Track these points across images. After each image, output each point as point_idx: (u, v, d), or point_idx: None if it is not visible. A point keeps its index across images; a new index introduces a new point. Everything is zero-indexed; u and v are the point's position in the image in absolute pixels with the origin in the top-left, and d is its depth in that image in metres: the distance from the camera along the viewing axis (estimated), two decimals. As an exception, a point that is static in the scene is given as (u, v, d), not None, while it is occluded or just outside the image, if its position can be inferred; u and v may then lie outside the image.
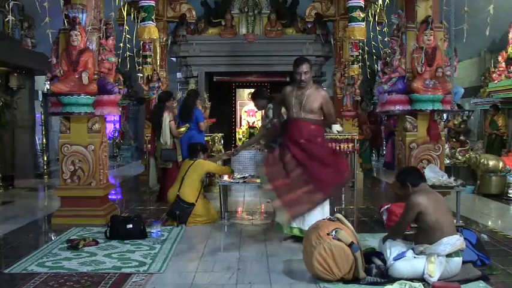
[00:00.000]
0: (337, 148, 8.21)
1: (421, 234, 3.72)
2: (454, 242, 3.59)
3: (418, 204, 3.63)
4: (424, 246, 3.64)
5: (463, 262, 3.69)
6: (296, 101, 4.72)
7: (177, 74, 11.38)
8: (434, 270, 3.53)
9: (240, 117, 12.69)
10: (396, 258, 3.66)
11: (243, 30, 10.65)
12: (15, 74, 9.72)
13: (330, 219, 3.90)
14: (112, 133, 15.41)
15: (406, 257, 3.65)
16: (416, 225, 3.83)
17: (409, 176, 3.88)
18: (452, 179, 5.62)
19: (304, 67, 4.67)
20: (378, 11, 8.99)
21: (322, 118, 4.80)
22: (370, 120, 12.44)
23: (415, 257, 3.65)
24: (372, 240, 4.70)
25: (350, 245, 3.61)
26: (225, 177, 6.32)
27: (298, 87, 4.75)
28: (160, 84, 9.39)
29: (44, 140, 10.61)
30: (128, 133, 16.08)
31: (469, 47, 10.49)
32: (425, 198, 3.66)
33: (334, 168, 4.65)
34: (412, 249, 3.73)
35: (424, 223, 3.63)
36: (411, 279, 3.52)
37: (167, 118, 6.71)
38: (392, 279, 3.55)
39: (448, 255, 3.59)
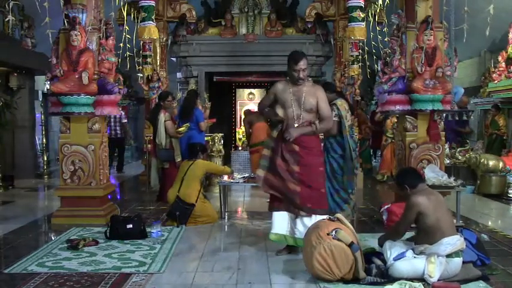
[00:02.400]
0: None
1: (421, 235, 3.71)
2: (454, 242, 3.59)
3: (418, 205, 3.62)
4: (424, 246, 3.63)
5: (463, 262, 3.69)
6: (294, 98, 4.33)
7: (177, 74, 11.38)
8: (434, 270, 3.53)
9: (240, 117, 12.65)
10: (396, 259, 3.66)
11: (243, 30, 10.66)
12: (15, 74, 9.72)
13: (330, 219, 3.90)
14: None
15: (406, 257, 3.65)
16: (416, 226, 3.82)
17: (407, 177, 3.86)
18: (452, 179, 5.62)
19: (302, 63, 4.28)
20: (378, 11, 8.99)
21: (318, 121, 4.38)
22: (374, 120, 12.46)
23: (415, 257, 3.65)
24: (372, 240, 4.69)
25: (350, 245, 3.61)
26: (225, 177, 6.32)
27: (293, 84, 4.37)
28: (160, 84, 9.39)
29: (44, 140, 10.61)
30: (128, 133, 16.05)
31: (469, 47, 10.49)
32: (425, 198, 3.65)
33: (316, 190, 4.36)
34: (412, 249, 3.72)
35: (424, 224, 3.62)
36: (411, 279, 3.52)
37: (162, 118, 6.69)
38: (392, 279, 3.55)
39: (448, 256, 3.58)
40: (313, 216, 4.29)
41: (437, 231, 3.59)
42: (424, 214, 3.60)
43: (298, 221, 4.36)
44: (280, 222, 4.42)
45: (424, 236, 3.67)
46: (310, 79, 4.82)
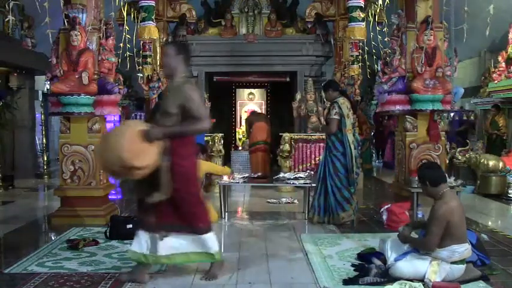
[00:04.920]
0: None
1: None
2: (462, 251, 3.55)
3: (447, 215, 3.47)
4: None
5: (463, 262, 3.68)
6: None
7: (177, 74, 11.35)
8: (436, 276, 3.51)
9: (240, 117, 12.67)
10: (398, 259, 3.65)
11: (243, 30, 10.65)
12: (15, 74, 9.72)
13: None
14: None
15: (408, 258, 3.65)
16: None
17: (430, 172, 3.65)
18: (452, 179, 5.62)
19: (166, 51, 3.72)
20: (377, 11, 9.00)
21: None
22: (379, 120, 12.53)
23: (418, 258, 3.61)
24: (372, 240, 4.70)
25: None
26: (225, 177, 6.32)
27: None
28: (160, 84, 9.40)
29: (44, 140, 10.61)
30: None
31: (469, 47, 10.50)
32: (452, 206, 3.50)
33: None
34: (416, 249, 3.70)
35: (445, 230, 3.51)
36: (411, 280, 3.51)
37: None
38: (393, 279, 3.55)
39: (453, 262, 3.56)
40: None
41: (450, 237, 3.52)
42: (450, 223, 3.47)
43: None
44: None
45: None
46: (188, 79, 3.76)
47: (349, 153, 5.47)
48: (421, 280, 3.52)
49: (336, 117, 5.49)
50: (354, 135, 5.60)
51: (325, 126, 5.74)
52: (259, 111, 11.54)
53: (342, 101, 5.58)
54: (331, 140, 5.59)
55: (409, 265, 3.59)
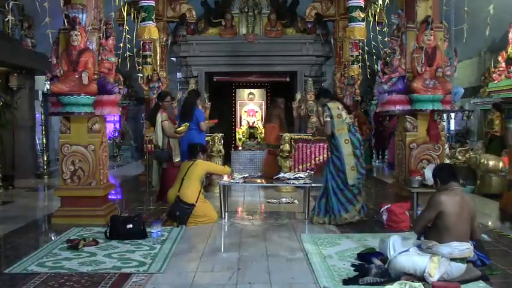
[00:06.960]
0: None
1: (434, 231, 3.68)
2: (462, 249, 3.57)
3: (441, 203, 3.57)
4: (433, 243, 3.62)
5: (463, 262, 3.68)
6: None
7: (177, 74, 11.38)
8: (435, 270, 3.52)
9: (240, 117, 12.67)
10: (399, 254, 3.67)
11: (243, 30, 10.65)
12: (15, 74, 9.72)
13: None
14: (112, 133, 15.41)
15: (409, 253, 3.66)
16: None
17: (441, 172, 3.81)
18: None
19: None
20: (378, 11, 9.00)
21: None
22: (378, 121, 12.54)
23: (419, 254, 3.63)
24: (372, 240, 4.70)
25: None
26: (225, 177, 6.32)
27: None
28: (160, 84, 9.40)
29: (44, 140, 10.61)
30: (127, 133, 16.10)
31: (469, 47, 10.49)
32: (450, 198, 3.59)
33: None
34: (418, 245, 3.71)
35: (441, 222, 3.59)
36: (411, 279, 3.51)
37: (159, 118, 6.68)
38: (393, 278, 3.55)
39: (453, 259, 3.57)
40: None
41: (450, 233, 3.56)
42: (444, 213, 3.56)
43: None
44: None
45: (436, 233, 3.64)
46: None
47: (342, 153, 5.51)
48: (421, 279, 3.52)
49: (328, 119, 5.61)
50: (355, 134, 5.64)
51: (322, 129, 5.85)
52: (278, 100, 9.64)
53: (331, 103, 5.68)
54: (330, 142, 5.70)
55: (409, 260, 3.61)
